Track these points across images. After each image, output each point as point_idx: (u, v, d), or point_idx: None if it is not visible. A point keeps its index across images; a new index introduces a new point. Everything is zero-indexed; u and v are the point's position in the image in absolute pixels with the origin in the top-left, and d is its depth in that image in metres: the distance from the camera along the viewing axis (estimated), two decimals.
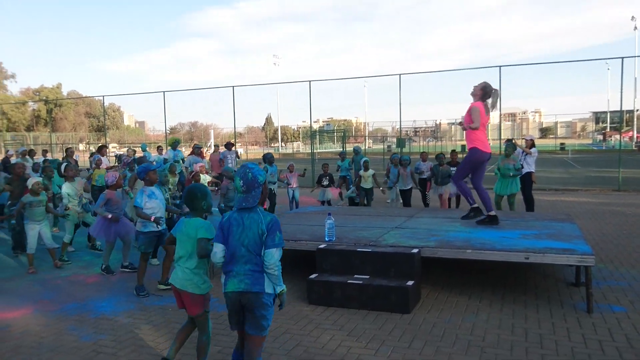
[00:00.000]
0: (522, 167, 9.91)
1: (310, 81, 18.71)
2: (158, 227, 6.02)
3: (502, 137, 16.80)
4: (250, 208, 3.17)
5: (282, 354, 4.20)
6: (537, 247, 5.33)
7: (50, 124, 43.59)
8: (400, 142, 21.96)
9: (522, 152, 10.13)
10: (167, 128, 24.94)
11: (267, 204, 10.26)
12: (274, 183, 10.48)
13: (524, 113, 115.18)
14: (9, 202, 8.06)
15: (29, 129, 55.23)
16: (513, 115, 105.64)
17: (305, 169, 12.03)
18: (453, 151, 11.21)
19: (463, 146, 35.13)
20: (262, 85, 32.85)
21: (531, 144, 10.21)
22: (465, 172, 6.74)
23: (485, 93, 6.36)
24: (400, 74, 17.52)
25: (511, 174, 9.46)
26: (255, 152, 48.84)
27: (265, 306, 3.15)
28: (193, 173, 7.91)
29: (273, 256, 3.07)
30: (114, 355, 4.28)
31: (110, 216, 6.72)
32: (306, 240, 6.09)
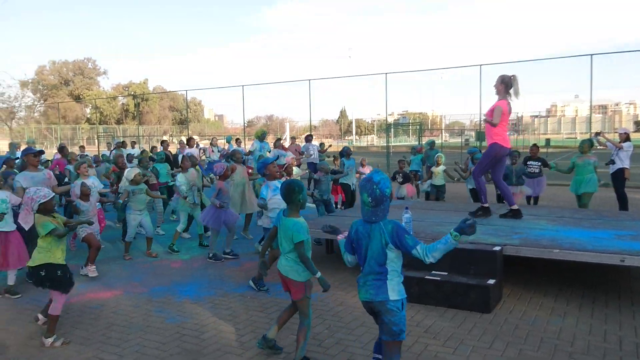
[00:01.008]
0: (614, 163, 9.21)
1: (386, 73, 18.52)
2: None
3: (592, 130, 15.69)
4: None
5: (358, 346, 4.20)
6: (635, 249, 4.93)
7: (138, 117, 46.30)
8: (480, 136, 21.15)
9: (614, 147, 9.42)
10: (245, 121, 25.68)
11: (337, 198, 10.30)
12: (346, 175, 10.38)
13: (617, 105, 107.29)
14: (116, 192, 8.36)
15: (118, 122, 58.97)
16: (604, 107, 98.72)
17: (379, 165, 11.87)
18: (534, 145, 10.35)
19: (547, 140, 33.36)
20: (338, 78, 32.84)
21: (625, 137, 9.46)
22: (486, 167, 6.70)
23: (506, 85, 6.34)
24: (480, 65, 16.91)
25: (588, 173, 8.53)
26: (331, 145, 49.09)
27: (392, 312, 3.12)
28: (285, 166, 8.01)
29: (421, 254, 3.05)
30: (197, 337, 4.47)
31: (218, 204, 6.99)
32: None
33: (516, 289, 5.57)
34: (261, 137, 13.44)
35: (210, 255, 7.18)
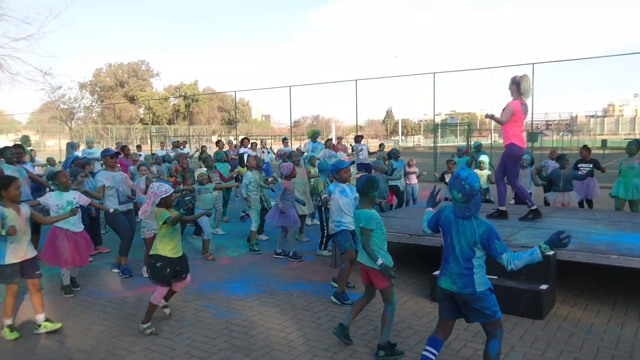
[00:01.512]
0: None
1: (434, 73, 18.23)
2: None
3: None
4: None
5: (405, 349, 4.16)
6: None
7: (188, 117, 47.57)
8: (532, 137, 20.48)
9: None
10: (292, 121, 25.93)
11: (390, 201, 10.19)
12: (399, 179, 10.28)
13: None
14: (183, 192, 8.39)
15: (170, 122, 60.77)
16: None
17: (424, 172, 11.61)
18: (584, 147, 9.63)
19: (604, 141, 31.90)
20: (385, 78, 32.68)
21: None
22: (509, 168, 6.69)
23: (517, 85, 6.35)
24: (533, 63, 16.34)
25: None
26: (375, 145, 48.84)
27: (481, 299, 3.26)
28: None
29: (507, 261, 3.18)
30: (245, 334, 4.56)
31: (281, 207, 7.09)
32: (430, 236, 5.94)
33: (570, 295, 5.38)
34: (313, 137, 13.44)
35: (291, 254, 7.22)
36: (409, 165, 10.89)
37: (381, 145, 15.31)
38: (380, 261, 3.95)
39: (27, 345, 4.41)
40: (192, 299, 5.54)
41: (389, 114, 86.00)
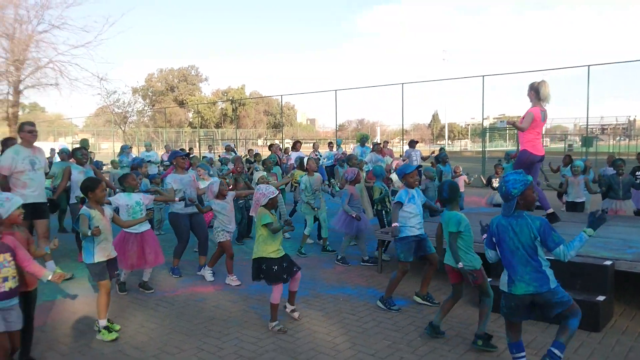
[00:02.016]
0: None
1: (483, 76, 17.83)
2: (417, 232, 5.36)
3: None
4: (517, 215, 3.48)
5: (453, 357, 4.08)
6: None
7: (235, 121, 48.46)
8: (587, 141, 19.66)
9: None
10: (336, 125, 25.93)
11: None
12: None
13: None
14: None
15: (217, 125, 62.10)
16: None
17: (475, 176, 11.32)
18: None
19: None
20: (432, 81, 32.16)
21: None
22: None
23: (536, 92, 6.41)
24: (589, 65, 15.72)
25: None
26: (425, 150, 48.17)
27: (557, 292, 3.42)
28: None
29: (562, 253, 3.33)
30: (291, 336, 4.59)
31: (354, 215, 7.01)
32: (478, 242, 5.80)
33: (630, 308, 5.13)
34: (362, 141, 13.32)
35: (339, 257, 7.19)
36: (455, 173, 10.60)
37: (442, 149, 14.68)
38: (460, 264, 4.20)
39: (84, 338, 4.60)
40: (239, 300, 5.64)
41: (435, 117, 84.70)
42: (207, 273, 6.46)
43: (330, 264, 7.14)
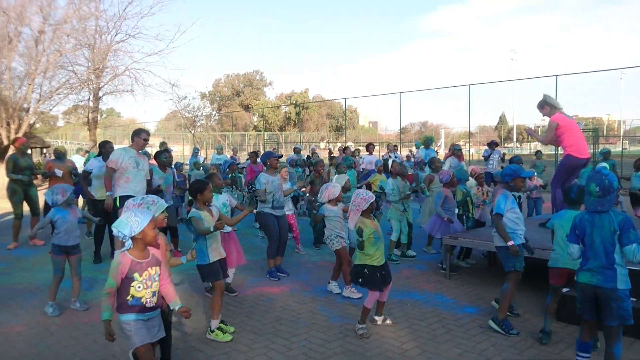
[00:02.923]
0: None
1: (557, 75, 17.05)
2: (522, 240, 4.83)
3: None
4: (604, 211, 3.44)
5: None
6: None
7: (299, 124, 49.08)
8: None
9: None
10: (399, 128, 25.66)
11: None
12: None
13: None
14: (312, 198, 8.55)
15: (281, 129, 63.15)
16: None
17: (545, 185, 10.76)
18: None
19: None
20: (501, 82, 31.10)
21: None
22: (562, 178, 6.66)
23: (549, 104, 6.57)
24: None
25: None
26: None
27: (621, 299, 3.35)
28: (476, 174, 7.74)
29: (632, 252, 3.28)
30: (360, 340, 4.57)
31: (446, 218, 6.93)
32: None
33: None
34: (426, 144, 13.11)
35: (444, 267, 6.79)
36: (530, 179, 10.07)
37: (537, 152, 13.96)
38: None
39: None
40: (307, 302, 5.69)
41: (502, 119, 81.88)
42: (333, 286, 6.08)
43: (395, 269, 7.05)
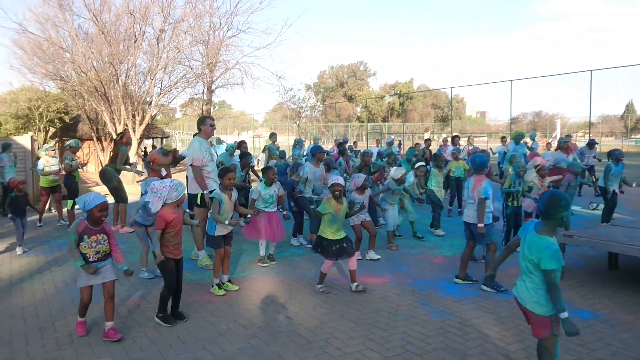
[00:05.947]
0: None
1: None
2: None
3: None
4: None
5: None
6: None
7: (403, 115, 48.40)
8: None
9: None
10: (510, 118, 24.26)
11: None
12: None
13: None
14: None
15: (384, 119, 62.65)
16: None
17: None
18: None
19: None
20: (627, 67, 28.00)
21: None
22: None
23: None
24: None
25: None
26: (609, 145, 42.74)
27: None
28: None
29: None
30: (461, 337, 4.43)
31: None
32: None
33: None
34: (517, 139, 13.19)
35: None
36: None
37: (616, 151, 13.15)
38: (565, 314, 3.10)
39: (263, 316, 5.01)
40: (407, 294, 5.62)
41: (629, 108, 74.24)
42: (372, 254, 7.14)
43: (501, 267, 6.70)
